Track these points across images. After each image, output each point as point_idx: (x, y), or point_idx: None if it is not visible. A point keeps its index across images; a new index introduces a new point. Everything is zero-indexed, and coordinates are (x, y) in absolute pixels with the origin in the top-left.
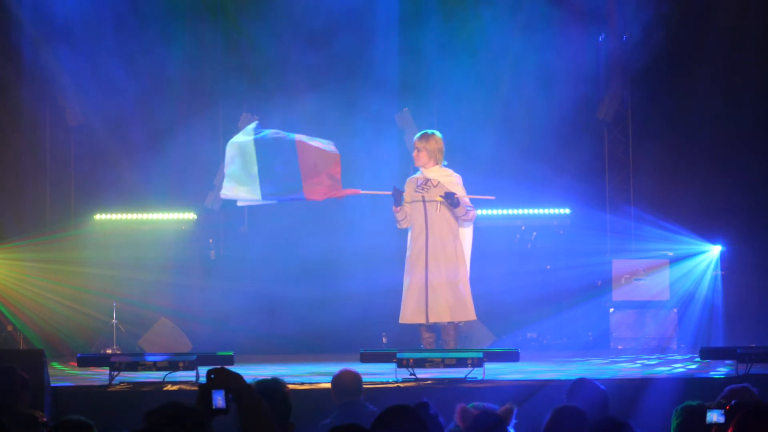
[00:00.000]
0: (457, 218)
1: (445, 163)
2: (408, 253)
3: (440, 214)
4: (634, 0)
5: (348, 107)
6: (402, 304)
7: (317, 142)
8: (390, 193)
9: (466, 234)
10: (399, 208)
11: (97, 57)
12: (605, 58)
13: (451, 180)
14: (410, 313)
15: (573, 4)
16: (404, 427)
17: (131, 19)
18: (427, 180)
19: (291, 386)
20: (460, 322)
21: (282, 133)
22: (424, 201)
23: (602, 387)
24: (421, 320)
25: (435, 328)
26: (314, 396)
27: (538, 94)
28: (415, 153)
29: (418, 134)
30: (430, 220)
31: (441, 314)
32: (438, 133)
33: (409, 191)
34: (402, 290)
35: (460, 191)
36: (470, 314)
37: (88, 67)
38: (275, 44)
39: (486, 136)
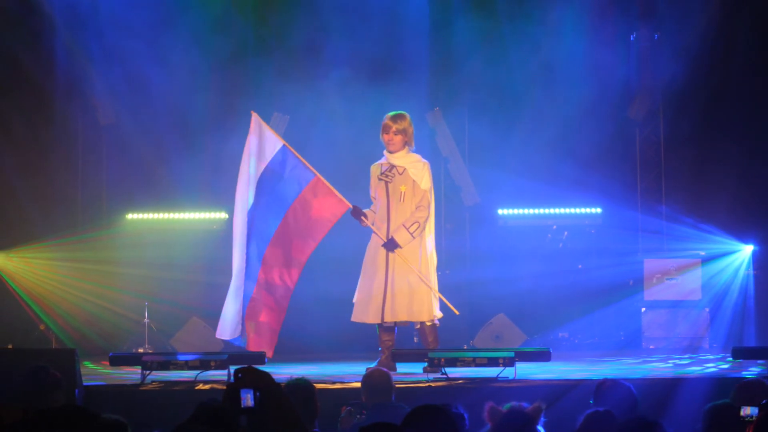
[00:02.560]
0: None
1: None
2: (370, 241)
3: (404, 205)
4: None
5: (378, 107)
6: (356, 299)
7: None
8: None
9: (431, 230)
10: (365, 222)
11: (128, 57)
12: (636, 56)
13: (417, 166)
14: (366, 313)
15: (604, 3)
16: (435, 426)
17: (162, 19)
18: (393, 167)
19: (321, 386)
20: (427, 322)
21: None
22: (387, 189)
23: (628, 385)
24: (377, 320)
25: (394, 330)
26: (345, 396)
27: (569, 93)
28: (388, 137)
29: (391, 115)
30: (392, 210)
31: (398, 313)
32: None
33: (373, 178)
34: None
35: (425, 179)
36: (431, 313)
37: (120, 66)
38: (306, 43)
39: (517, 136)
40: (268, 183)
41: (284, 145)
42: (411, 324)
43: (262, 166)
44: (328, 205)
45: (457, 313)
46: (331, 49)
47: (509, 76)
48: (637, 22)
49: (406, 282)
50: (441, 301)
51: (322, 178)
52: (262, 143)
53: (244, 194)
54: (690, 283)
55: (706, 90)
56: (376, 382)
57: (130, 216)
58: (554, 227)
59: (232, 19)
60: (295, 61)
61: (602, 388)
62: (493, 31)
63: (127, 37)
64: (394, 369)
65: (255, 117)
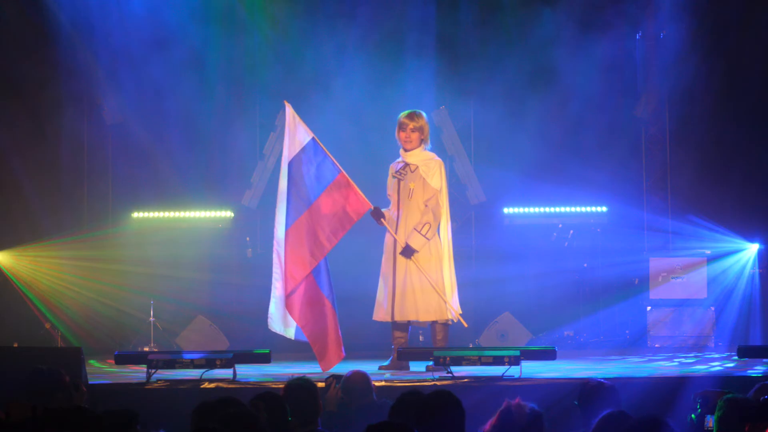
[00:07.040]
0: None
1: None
2: (385, 241)
3: (411, 202)
4: None
5: (384, 104)
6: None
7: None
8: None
9: (445, 230)
10: (384, 223)
11: (133, 55)
12: (642, 55)
13: (429, 164)
14: (380, 311)
15: (610, 1)
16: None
17: (167, 17)
18: (406, 164)
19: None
20: (439, 321)
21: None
22: (398, 186)
23: (608, 383)
24: (388, 319)
25: (407, 328)
26: None
27: (575, 92)
28: (405, 135)
29: (407, 113)
30: (401, 207)
31: (407, 313)
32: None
33: (389, 177)
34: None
35: (435, 178)
36: (440, 314)
37: (125, 65)
38: (312, 41)
39: (523, 134)
40: (297, 173)
41: (313, 138)
42: (425, 322)
43: (292, 156)
44: (350, 203)
45: (465, 325)
46: (336, 47)
47: (515, 74)
48: (643, 20)
49: (415, 281)
50: (457, 301)
51: (346, 175)
52: (294, 133)
53: (284, 185)
54: (695, 281)
55: (712, 88)
56: (355, 384)
57: (135, 214)
58: (560, 226)
59: (237, 17)
60: (301, 58)
61: (586, 389)
62: (499, 28)
63: (132, 36)
64: (407, 368)
65: (288, 107)
